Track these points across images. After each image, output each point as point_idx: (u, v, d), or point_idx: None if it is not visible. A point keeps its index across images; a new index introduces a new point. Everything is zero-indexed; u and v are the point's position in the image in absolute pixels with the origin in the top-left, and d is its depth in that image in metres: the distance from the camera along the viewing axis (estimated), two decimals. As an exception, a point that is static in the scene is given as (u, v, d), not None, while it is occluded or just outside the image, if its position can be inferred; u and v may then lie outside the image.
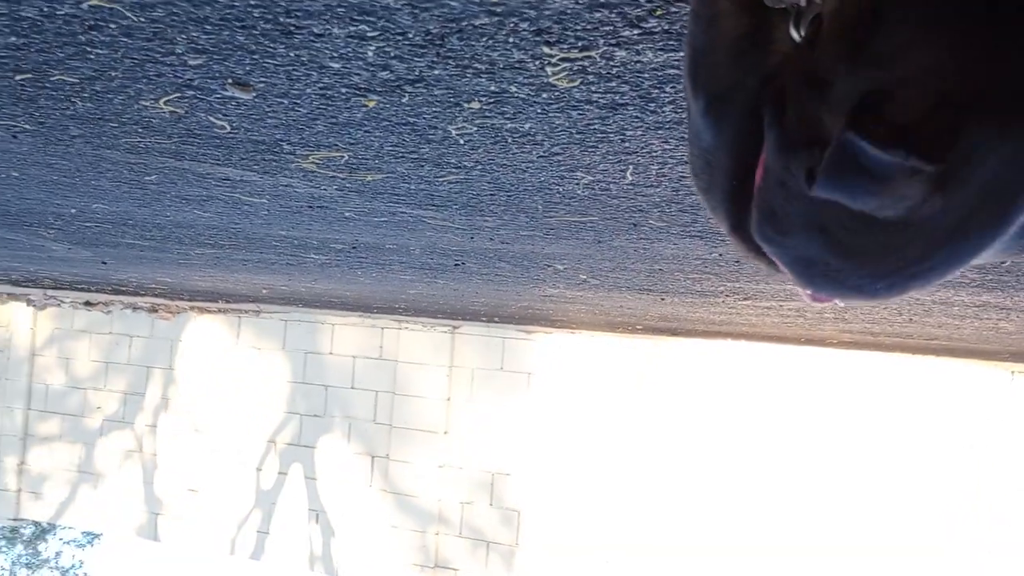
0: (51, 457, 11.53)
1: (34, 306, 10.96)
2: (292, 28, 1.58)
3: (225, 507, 10.52)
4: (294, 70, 1.78)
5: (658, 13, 1.44)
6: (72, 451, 11.42)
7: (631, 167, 2.32)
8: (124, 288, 8.72)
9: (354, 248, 4.37)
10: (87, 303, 10.55)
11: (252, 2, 1.50)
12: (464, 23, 1.52)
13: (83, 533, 17.88)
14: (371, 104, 1.95)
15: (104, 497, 11.24)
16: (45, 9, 1.58)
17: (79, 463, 11.38)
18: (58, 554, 18.22)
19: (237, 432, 10.53)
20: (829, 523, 7.94)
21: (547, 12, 1.46)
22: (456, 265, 4.61)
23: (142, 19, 1.59)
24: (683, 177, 2.44)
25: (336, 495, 10.01)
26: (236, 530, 10.45)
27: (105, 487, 11.24)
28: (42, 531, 17.64)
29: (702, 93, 0.97)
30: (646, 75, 1.68)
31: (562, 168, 2.38)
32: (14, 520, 12.13)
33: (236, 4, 1.51)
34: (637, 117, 1.90)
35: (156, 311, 10.60)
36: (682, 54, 1.31)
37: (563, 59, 1.63)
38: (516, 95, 1.83)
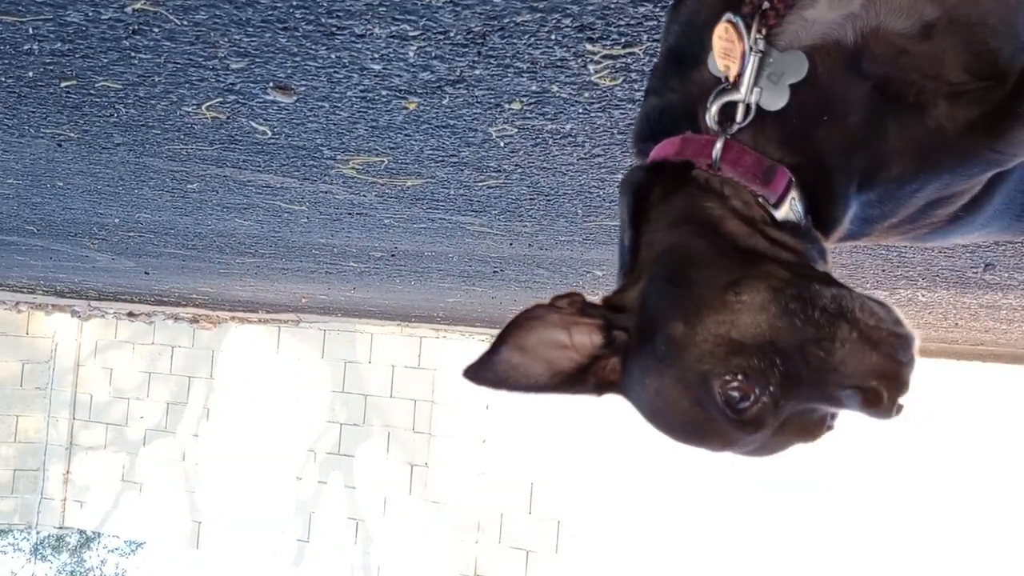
0: (95, 466, 11.67)
1: (78, 317, 11.11)
2: (334, 29, 1.58)
3: (266, 515, 10.57)
4: (335, 72, 1.78)
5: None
6: (116, 460, 11.54)
7: (673, 168, 2.29)
8: (166, 299, 8.81)
9: (393, 256, 4.37)
10: (130, 314, 10.67)
11: (294, 3, 1.50)
12: (506, 20, 1.51)
13: (126, 542, 18.08)
14: (412, 106, 1.95)
15: (147, 506, 11.35)
16: (90, 14, 1.59)
17: (123, 472, 11.51)
18: (103, 562, 18.43)
19: (277, 441, 10.59)
20: (875, 532, 7.82)
21: (590, 7, 1.45)
22: (494, 272, 4.60)
23: (185, 22, 1.60)
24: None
25: (375, 504, 10.03)
26: (276, 538, 10.50)
27: (148, 496, 11.35)
28: (87, 540, 17.85)
29: None
30: (690, 72, 1.66)
31: (603, 170, 2.36)
32: (59, 528, 12.30)
33: (279, 5, 1.51)
34: (680, 115, 1.88)
35: (197, 321, 10.70)
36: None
37: (606, 56, 1.61)
38: (558, 95, 1.82)
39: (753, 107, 0.92)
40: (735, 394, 0.88)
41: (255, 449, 10.70)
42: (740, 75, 0.91)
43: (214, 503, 10.90)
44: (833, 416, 0.94)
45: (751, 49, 0.90)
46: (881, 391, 0.84)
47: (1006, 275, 3.23)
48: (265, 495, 10.59)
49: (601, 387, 1.02)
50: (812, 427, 0.95)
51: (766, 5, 0.91)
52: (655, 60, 1.09)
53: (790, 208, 0.95)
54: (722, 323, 0.88)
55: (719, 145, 0.93)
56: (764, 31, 0.91)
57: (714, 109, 0.93)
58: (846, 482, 7.96)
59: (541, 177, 2.47)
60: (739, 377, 0.87)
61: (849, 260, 3.29)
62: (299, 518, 10.42)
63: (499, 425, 9.38)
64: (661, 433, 1.01)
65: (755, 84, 0.91)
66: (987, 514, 7.48)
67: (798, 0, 0.91)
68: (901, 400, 0.86)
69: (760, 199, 0.94)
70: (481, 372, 1.01)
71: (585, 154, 2.22)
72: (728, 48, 0.92)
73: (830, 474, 8.02)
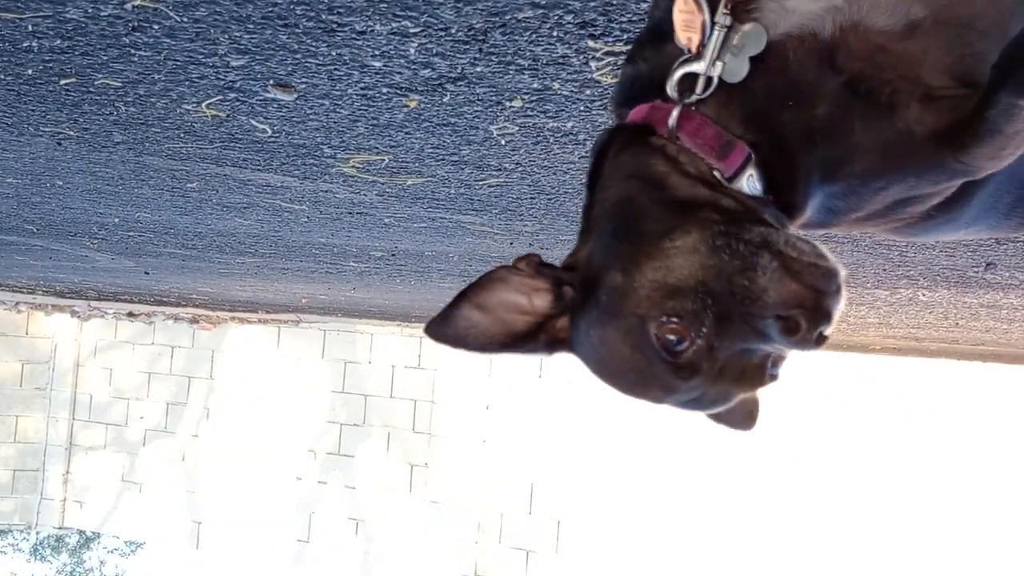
0: (95, 467, 11.66)
1: (78, 317, 11.11)
2: (335, 26, 1.58)
3: (266, 516, 10.56)
4: (336, 70, 1.77)
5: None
6: (115, 461, 11.53)
7: (674, 166, 2.29)
8: (166, 299, 8.81)
9: (393, 255, 4.37)
10: (130, 314, 10.66)
11: (295, -1, 1.49)
12: (508, 16, 1.50)
13: (126, 542, 18.07)
14: (412, 104, 1.94)
15: (147, 506, 11.34)
16: (90, 10, 1.58)
17: (122, 473, 11.50)
18: (102, 563, 18.42)
19: (277, 441, 10.58)
20: (877, 531, 7.81)
21: (592, 3, 1.44)
22: (495, 271, 4.58)
23: (185, 19, 1.59)
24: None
25: (376, 504, 10.02)
26: (277, 538, 10.49)
27: (148, 496, 11.34)
28: (86, 540, 17.84)
29: None
30: (692, 69, 1.65)
31: (604, 168, 2.35)
32: (59, 529, 12.29)
33: (279, 2, 1.50)
34: (682, 113, 1.87)
35: (197, 322, 10.69)
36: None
37: (607, 52, 1.60)
38: (559, 92, 1.81)
39: (715, 79, 0.94)
40: (671, 336, 0.90)
41: (255, 449, 10.69)
42: (702, 46, 0.92)
43: (214, 503, 10.89)
44: (774, 364, 0.95)
45: (714, 23, 0.91)
46: (799, 319, 0.85)
47: (1007, 274, 3.22)
48: (265, 495, 10.58)
49: (552, 345, 1.04)
50: (751, 373, 0.95)
51: None
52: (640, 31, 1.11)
53: (746, 185, 0.97)
54: (658, 268, 0.90)
55: (675, 113, 0.95)
56: (730, 6, 0.92)
57: (674, 78, 0.95)
58: (846, 482, 7.95)
59: (542, 176, 2.47)
60: (674, 319, 0.89)
61: (850, 260, 3.29)
62: (299, 518, 10.40)
63: (499, 425, 9.37)
64: (606, 384, 1.03)
65: (717, 58, 0.92)
66: (988, 514, 7.47)
67: None
68: (824, 330, 0.86)
69: (716, 173, 0.96)
70: (442, 328, 1.02)
71: (586, 152, 2.21)
72: (688, 20, 0.93)
73: (830, 474, 8.02)
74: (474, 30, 1.56)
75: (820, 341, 0.87)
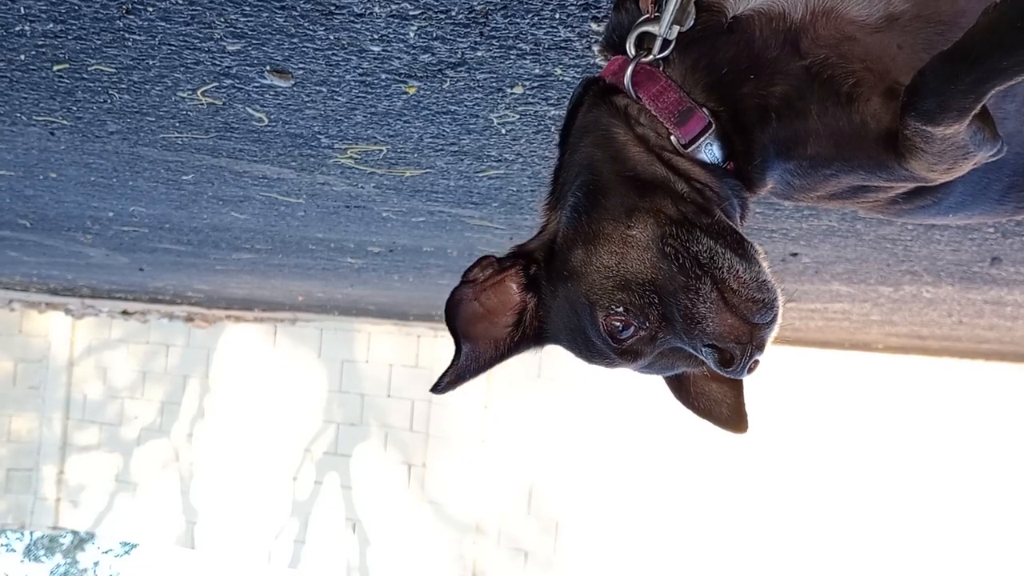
0: (89, 467, 11.61)
1: (72, 315, 11.06)
2: (332, 8, 1.54)
3: (262, 516, 10.52)
4: (333, 55, 1.73)
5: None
6: (110, 461, 11.48)
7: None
8: (161, 297, 8.76)
9: (391, 251, 4.33)
10: (124, 312, 10.61)
11: (292, -21, 1.46)
12: (510, -3, 1.47)
13: (120, 543, 18.00)
14: (411, 91, 1.90)
15: (141, 506, 11.29)
16: (82, -10, 1.55)
17: (117, 472, 11.45)
18: (96, 564, 18.34)
19: (273, 441, 10.54)
20: (877, 531, 7.78)
21: (597, -17, 1.41)
22: (494, 268, 4.55)
23: (180, 1, 1.55)
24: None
25: (373, 504, 9.98)
26: (273, 539, 10.45)
27: (142, 496, 11.29)
28: (80, 541, 17.77)
29: None
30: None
31: (606, 159, 2.32)
32: (53, 529, 12.23)
33: (275, -19, 1.46)
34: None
35: (192, 320, 10.64)
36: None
37: (612, 35, 1.57)
38: (561, 78, 1.78)
39: (672, 41, 0.96)
40: (616, 323, 0.96)
41: (251, 449, 10.65)
42: (659, 8, 0.94)
43: (209, 504, 10.84)
44: None
45: None
46: (734, 352, 0.91)
47: (1012, 269, 3.19)
48: (261, 495, 10.54)
49: (536, 337, 1.10)
50: (694, 358, 0.99)
51: None
52: None
53: (704, 152, 1.00)
54: (613, 254, 0.95)
55: (629, 71, 0.98)
56: None
57: (632, 36, 0.98)
58: (848, 482, 7.92)
59: (543, 167, 2.43)
60: (620, 311, 0.95)
61: (854, 255, 3.25)
62: (295, 518, 10.36)
63: (498, 425, 9.33)
64: (564, 347, 1.10)
65: (674, 21, 0.94)
66: (989, 513, 7.45)
67: None
68: (757, 358, 0.93)
69: (672, 138, 1.00)
70: (449, 384, 1.10)
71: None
72: None
73: (832, 474, 7.99)
74: (475, 12, 1.52)
75: (752, 368, 0.93)
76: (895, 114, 0.89)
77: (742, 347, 0.91)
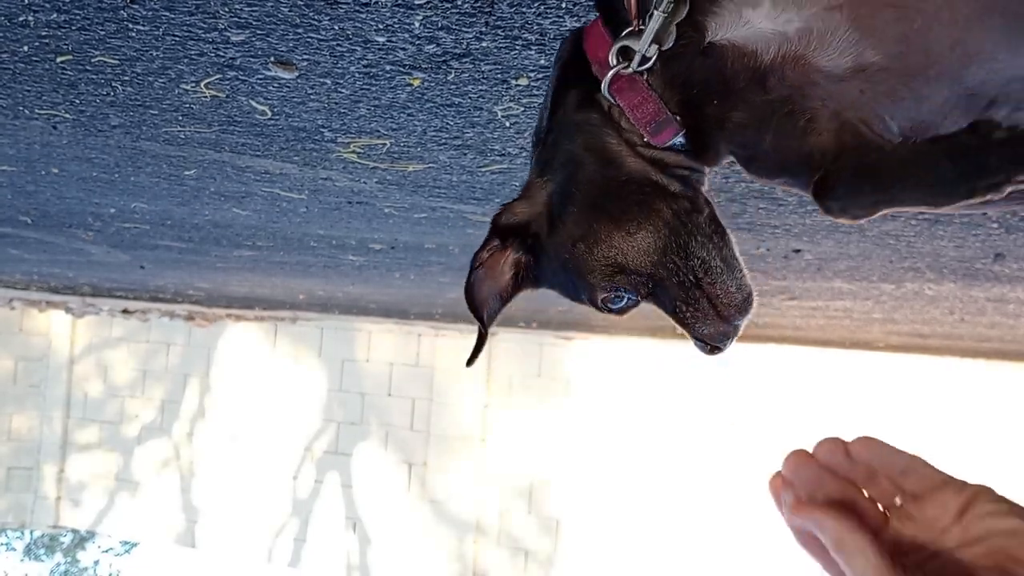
0: (90, 465, 11.60)
1: (73, 314, 11.05)
2: (337, -3, 1.53)
3: (262, 515, 10.51)
4: (338, 45, 1.73)
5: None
6: (110, 459, 11.48)
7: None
8: (161, 295, 8.76)
9: (392, 248, 4.32)
10: (125, 311, 10.61)
11: (297, -33, 1.45)
12: (516, -15, 1.46)
13: (121, 542, 18.00)
14: (416, 83, 1.89)
15: (142, 505, 11.28)
16: (86, -21, 1.54)
17: (117, 471, 11.44)
18: (96, 563, 18.35)
19: (274, 440, 10.53)
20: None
21: (604, -29, 1.40)
22: (495, 265, 4.54)
23: (184, -10, 1.55)
24: (732, 164, 2.37)
25: (373, 503, 9.97)
26: (273, 538, 10.44)
27: (143, 495, 11.29)
28: (81, 540, 17.77)
29: None
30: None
31: (610, 153, 2.31)
32: (53, 528, 12.22)
33: (280, -31, 1.46)
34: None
35: (193, 319, 10.64)
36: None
37: (619, 25, 1.56)
38: (566, 69, 1.77)
39: (652, 59, 0.99)
40: (611, 298, 1.10)
41: (251, 448, 10.64)
42: (642, 24, 0.98)
43: (210, 502, 10.84)
44: None
45: (655, 8, 0.95)
46: (720, 346, 1.11)
47: (1016, 266, 3.18)
48: (261, 494, 10.53)
49: (533, 281, 1.21)
50: None
51: None
52: None
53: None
54: (614, 251, 1.07)
55: (607, 79, 1.03)
56: None
57: (615, 48, 1.01)
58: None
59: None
60: (618, 290, 1.09)
61: (856, 251, 3.25)
62: (296, 517, 10.36)
63: (498, 424, 9.33)
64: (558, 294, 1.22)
65: (654, 40, 0.97)
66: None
67: None
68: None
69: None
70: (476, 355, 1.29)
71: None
72: None
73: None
74: (481, 1, 1.52)
75: (726, 348, 1.13)
76: (841, 155, 0.95)
77: (727, 341, 1.11)
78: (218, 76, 1.94)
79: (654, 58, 0.99)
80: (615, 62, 1.02)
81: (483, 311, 1.22)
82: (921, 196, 0.92)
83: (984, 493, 0.81)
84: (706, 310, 1.07)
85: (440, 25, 1.61)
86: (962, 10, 0.83)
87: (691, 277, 1.06)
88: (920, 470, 0.86)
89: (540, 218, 1.16)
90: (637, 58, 0.99)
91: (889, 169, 0.90)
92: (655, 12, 0.95)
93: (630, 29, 0.99)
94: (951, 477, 0.84)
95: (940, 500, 0.83)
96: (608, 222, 1.07)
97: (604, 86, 1.04)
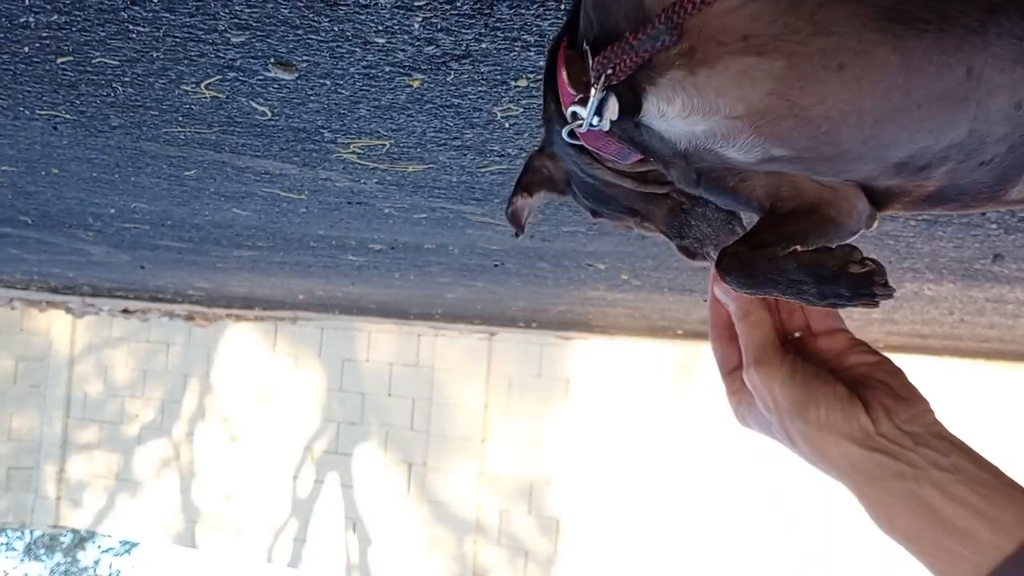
0: (90, 465, 11.61)
1: (73, 314, 11.06)
2: (337, -2, 1.54)
3: (262, 515, 10.52)
4: (338, 46, 1.73)
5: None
6: (110, 459, 11.49)
7: (681, 151, 2.25)
8: (161, 295, 8.76)
9: (392, 248, 4.33)
10: (125, 311, 10.62)
11: (297, -32, 1.45)
12: (516, -13, 1.47)
13: (121, 542, 18.01)
14: (415, 84, 1.90)
15: (142, 505, 11.29)
16: (86, -19, 1.54)
17: (117, 471, 11.45)
18: (96, 563, 18.36)
19: (274, 440, 10.54)
20: (878, 532, 7.77)
21: (603, -27, 1.40)
22: (496, 266, 4.56)
23: (184, -9, 1.55)
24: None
25: (373, 503, 9.98)
26: (273, 538, 10.45)
27: (143, 495, 11.29)
28: (81, 540, 17.78)
29: None
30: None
31: (609, 154, 2.31)
32: (53, 528, 12.23)
33: (280, -29, 1.46)
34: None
35: (193, 319, 10.65)
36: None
37: (618, 26, 1.56)
38: (565, 71, 1.77)
39: (603, 124, 1.01)
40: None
41: (251, 448, 10.65)
42: (587, 95, 1.00)
43: (209, 502, 10.84)
44: None
45: (594, 85, 0.97)
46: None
47: (1015, 267, 3.19)
48: (261, 494, 10.54)
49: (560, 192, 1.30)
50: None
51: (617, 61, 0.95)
52: None
53: None
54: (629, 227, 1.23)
55: (564, 132, 1.05)
56: (605, 83, 0.96)
57: (568, 112, 1.03)
58: (846, 482, 7.91)
59: (546, 162, 2.43)
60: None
61: (855, 251, 3.24)
62: (296, 517, 10.37)
63: (498, 424, 9.34)
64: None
65: (596, 113, 0.99)
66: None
67: (646, 74, 0.95)
68: None
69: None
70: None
71: (591, 137, 2.17)
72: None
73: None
74: (480, 3, 1.52)
75: None
76: (764, 200, 0.98)
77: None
78: (218, 77, 1.95)
79: (602, 123, 1.02)
80: (570, 120, 1.04)
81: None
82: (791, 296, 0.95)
83: (866, 344, 0.98)
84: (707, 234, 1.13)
85: (439, 27, 1.61)
86: (871, 113, 0.83)
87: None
88: (831, 323, 1.01)
89: (563, 180, 1.24)
90: (585, 124, 1.00)
91: (761, 261, 0.93)
92: (594, 89, 0.96)
93: (580, 96, 1.00)
94: (856, 338, 1.00)
95: (835, 338, 0.99)
96: (618, 219, 1.19)
97: (565, 135, 1.05)
